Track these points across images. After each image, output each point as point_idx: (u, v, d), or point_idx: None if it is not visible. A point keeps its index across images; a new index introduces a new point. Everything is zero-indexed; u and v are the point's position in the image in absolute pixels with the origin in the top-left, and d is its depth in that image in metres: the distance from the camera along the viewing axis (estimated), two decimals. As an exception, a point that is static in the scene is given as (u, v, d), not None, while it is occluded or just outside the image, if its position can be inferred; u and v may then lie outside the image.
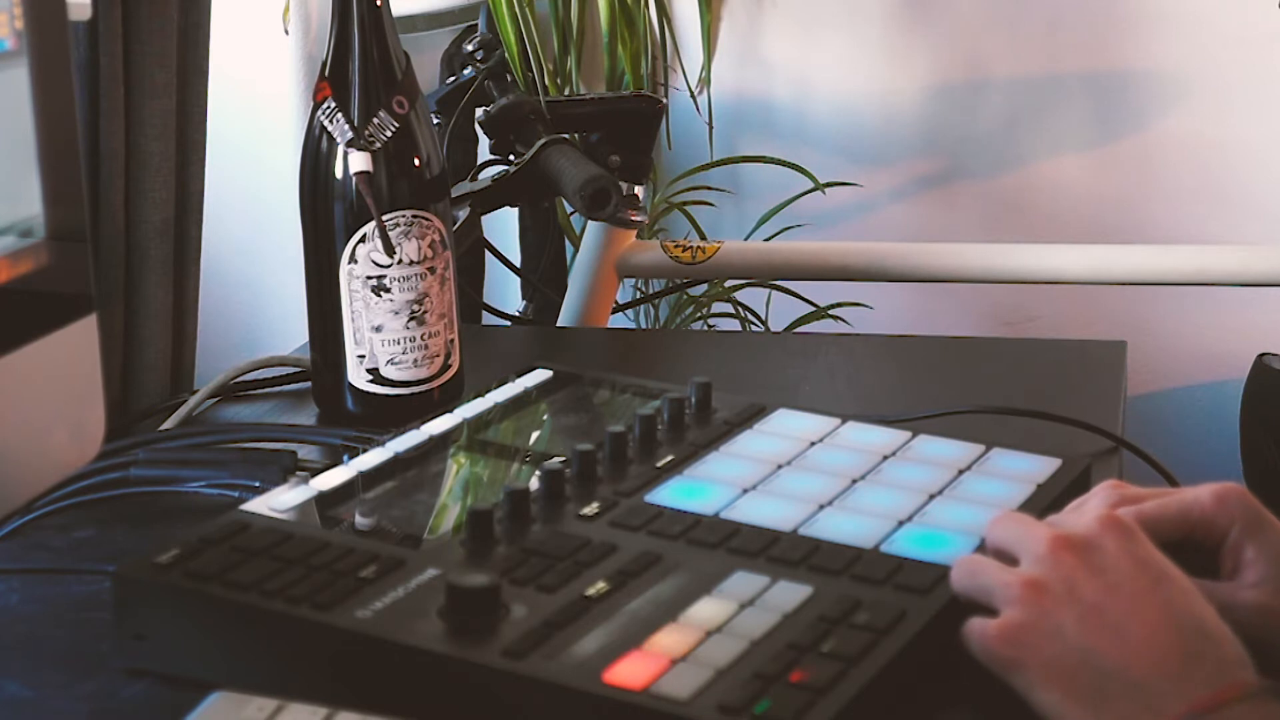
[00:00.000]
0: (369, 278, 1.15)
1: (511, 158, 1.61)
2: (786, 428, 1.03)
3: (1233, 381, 2.15)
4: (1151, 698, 0.73)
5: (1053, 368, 1.32)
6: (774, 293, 2.29)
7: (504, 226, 2.14)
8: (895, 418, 1.07)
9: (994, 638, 0.78)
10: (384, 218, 1.14)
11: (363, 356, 1.17)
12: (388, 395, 1.17)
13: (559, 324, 1.79)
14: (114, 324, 1.25)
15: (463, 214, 1.54)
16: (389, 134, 1.14)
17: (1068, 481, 0.97)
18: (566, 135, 1.60)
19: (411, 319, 1.16)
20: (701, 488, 0.94)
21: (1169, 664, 0.74)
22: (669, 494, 0.94)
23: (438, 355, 1.18)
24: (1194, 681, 0.73)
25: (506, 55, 2.11)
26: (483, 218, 1.61)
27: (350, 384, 1.17)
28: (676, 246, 1.75)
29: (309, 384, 1.25)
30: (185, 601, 0.82)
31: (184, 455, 1.10)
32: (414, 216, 1.15)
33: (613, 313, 1.84)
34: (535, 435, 1.07)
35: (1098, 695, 0.75)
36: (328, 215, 1.16)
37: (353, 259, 1.15)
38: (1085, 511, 0.82)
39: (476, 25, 2.15)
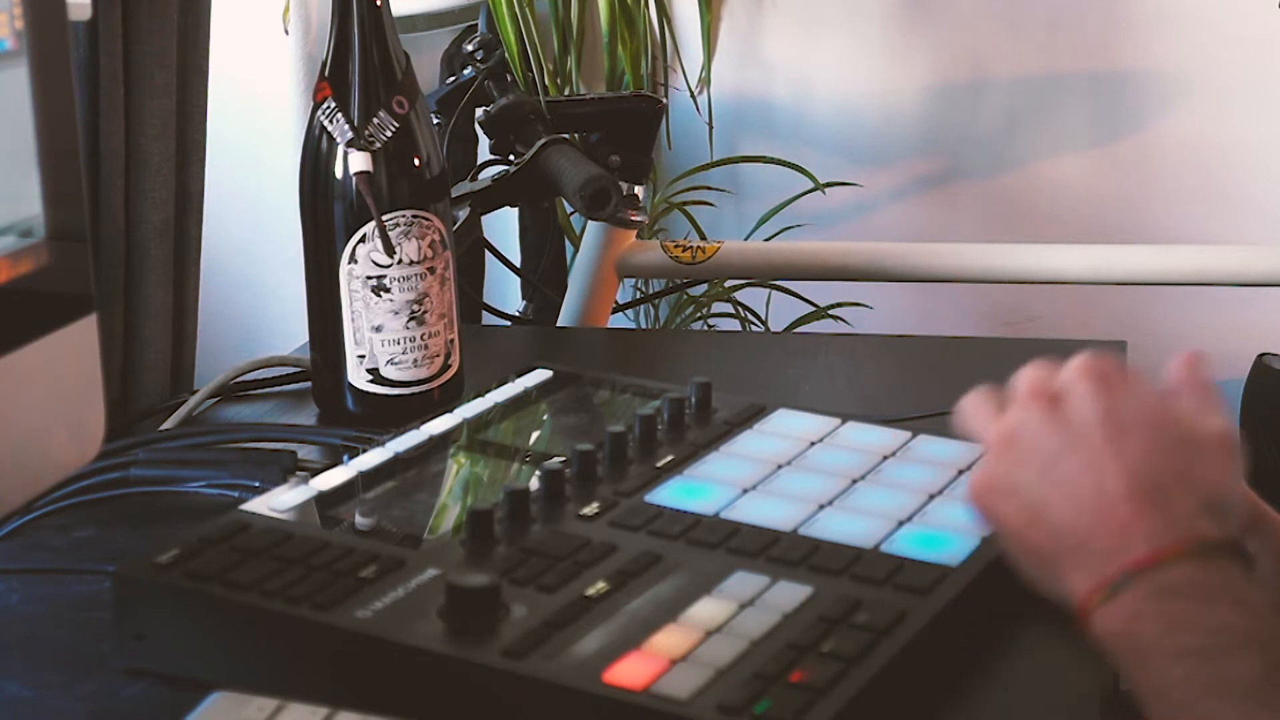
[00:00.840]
0: (369, 278, 1.15)
1: (511, 158, 1.61)
2: (786, 428, 1.03)
3: (1233, 381, 2.15)
4: (1093, 556, 0.71)
5: (1053, 368, 1.32)
6: (774, 293, 2.29)
7: (504, 226, 2.14)
8: (895, 418, 1.07)
9: (970, 491, 0.78)
10: (384, 218, 1.14)
11: (363, 356, 1.17)
12: (388, 395, 1.17)
13: (559, 324, 1.79)
14: (114, 324, 1.25)
15: (463, 214, 1.54)
16: (389, 134, 1.14)
17: (1068, 481, 0.96)
18: (566, 135, 1.60)
19: (411, 319, 1.16)
20: (701, 488, 0.94)
21: (1113, 522, 0.72)
22: (669, 494, 0.93)
23: (438, 355, 1.18)
24: (1135, 539, 0.70)
25: (506, 55, 2.11)
26: (483, 218, 1.61)
27: (350, 384, 1.17)
28: (676, 246, 1.75)
29: (309, 384, 1.25)
30: (185, 601, 0.82)
31: (184, 455, 1.10)
32: (414, 216, 1.15)
33: (613, 313, 1.84)
34: (535, 435, 1.07)
35: (1049, 552, 0.74)
36: (328, 215, 1.16)
37: (353, 259, 1.15)
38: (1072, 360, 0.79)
39: (476, 25, 2.15)
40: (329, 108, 1.14)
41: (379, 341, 1.16)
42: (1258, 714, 0.66)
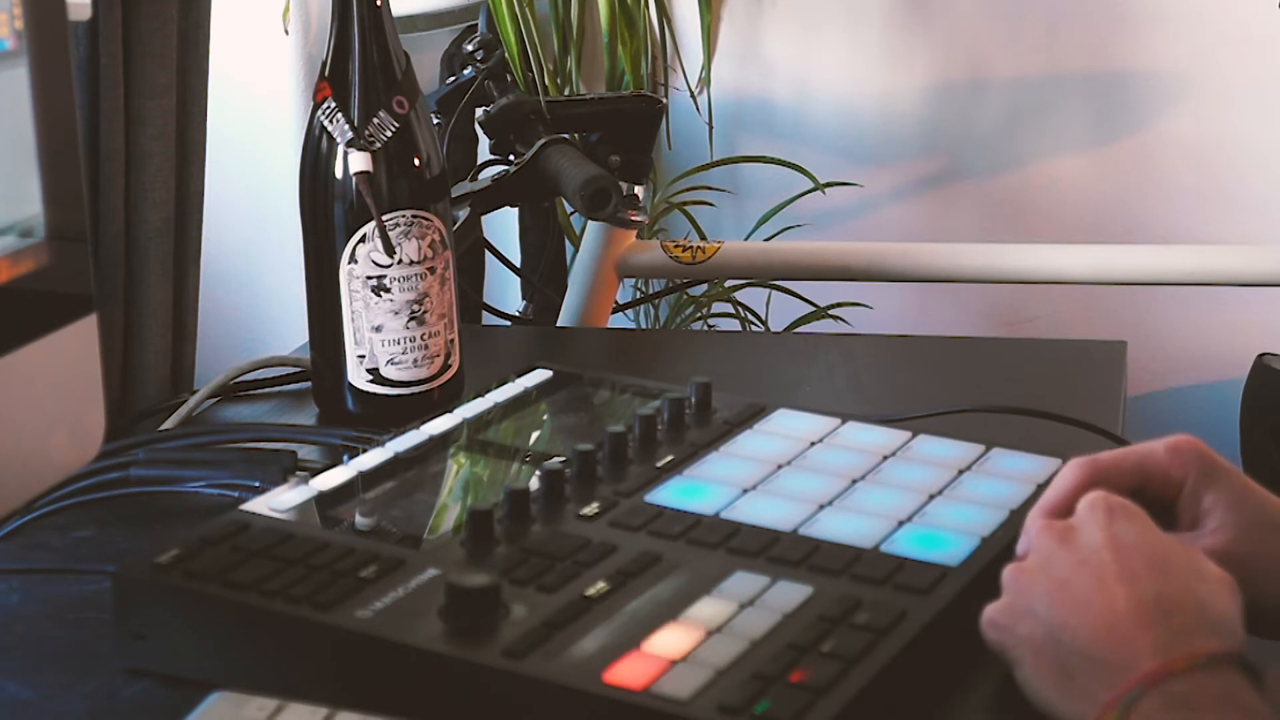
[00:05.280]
0: (369, 278, 1.15)
1: (511, 158, 1.60)
2: (786, 428, 1.03)
3: (1233, 381, 2.14)
4: (1106, 671, 0.73)
5: (1053, 368, 1.32)
6: (774, 293, 2.29)
7: (504, 226, 2.14)
8: (895, 418, 1.07)
9: (984, 621, 0.80)
10: (384, 218, 1.14)
11: (363, 356, 1.17)
12: (388, 395, 1.17)
13: (559, 324, 1.79)
14: (114, 324, 1.25)
15: (463, 214, 1.54)
16: (389, 134, 1.14)
17: (1068, 481, 0.96)
18: (566, 135, 1.60)
19: (411, 319, 1.16)
20: (701, 488, 0.94)
21: (1121, 637, 0.73)
22: (669, 494, 0.93)
23: (438, 355, 1.18)
24: (1143, 654, 0.72)
25: (506, 55, 2.11)
26: (483, 218, 1.61)
27: (350, 384, 1.17)
28: (676, 246, 1.75)
29: (309, 384, 1.25)
30: (185, 601, 0.82)
31: (184, 455, 1.10)
32: (414, 216, 1.15)
33: (613, 313, 1.84)
34: (535, 435, 1.07)
35: (1063, 670, 0.75)
36: (328, 215, 1.16)
37: (353, 259, 1.15)
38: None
39: (476, 25, 2.14)
40: (329, 108, 1.15)
41: (379, 341, 1.16)
42: None
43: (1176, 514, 0.84)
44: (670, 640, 0.78)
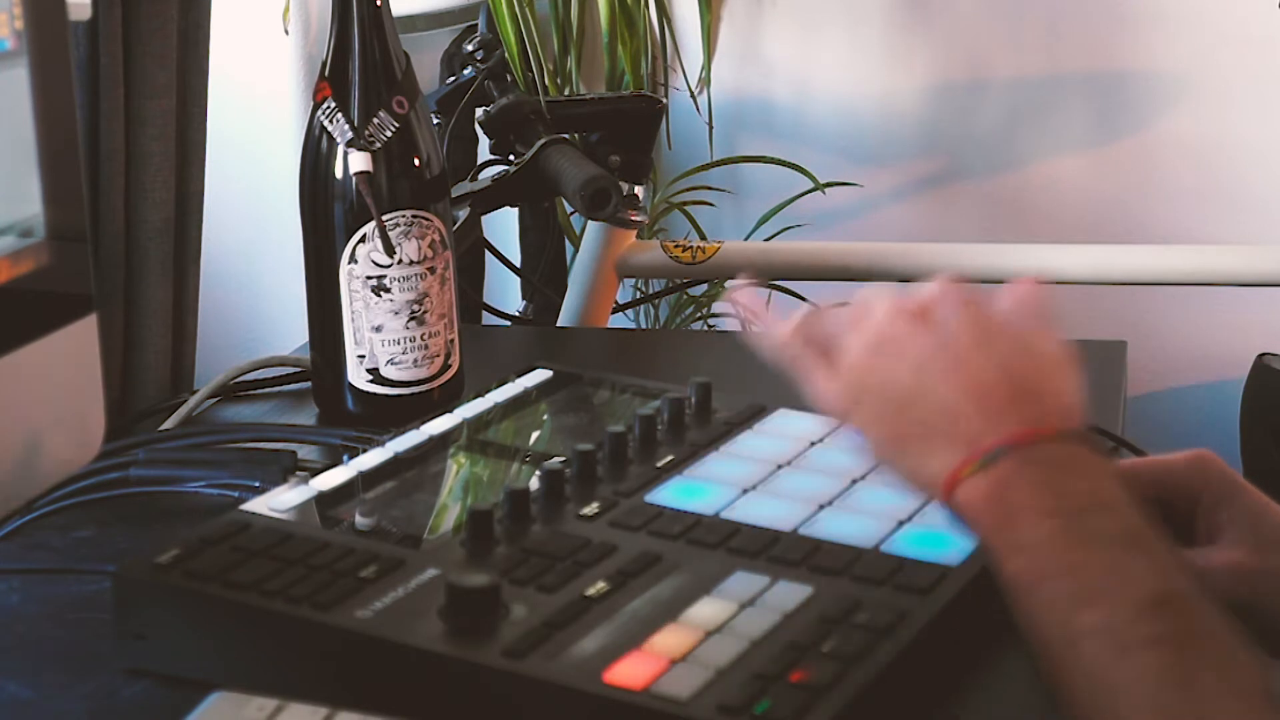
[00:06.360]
0: (369, 278, 1.15)
1: (511, 158, 1.60)
2: (786, 428, 1.03)
3: (1233, 381, 2.14)
4: (971, 431, 0.76)
5: (1053, 368, 1.32)
6: (774, 293, 2.29)
7: (504, 226, 2.14)
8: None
9: (834, 386, 0.81)
10: (384, 218, 1.14)
11: (363, 356, 1.17)
12: (388, 395, 1.17)
13: (559, 324, 1.79)
14: (114, 324, 1.25)
15: (463, 214, 1.54)
16: (389, 134, 1.14)
17: (1068, 481, 0.96)
18: (566, 135, 1.60)
19: (411, 319, 1.16)
20: (701, 488, 0.94)
21: (991, 404, 0.76)
22: (669, 494, 0.94)
23: (438, 355, 1.18)
24: (1012, 420, 0.75)
25: (506, 55, 2.10)
26: (483, 218, 1.61)
27: (350, 384, 1.17)
28: (676, 246, 1.75)
29: (309, 384, 1.25)
30: (185, 601, 0.82)
31: (184, 455, 1.10)
32: (414, 216, 1.15)
33: (613, 313, 1.84)
34: (535, 435, 1.07)
35: (921, 430, 0.77)
36: (328, 215, 1.16)
37: (353, 259, 1.15)
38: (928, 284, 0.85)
39: (476, 25, 2.14)
40: (329, 108, 1.14)
41: (379, 341, 1.16)
42: (1122, 558, 0.71)
43: (1193, 527, 0.84)
44: (670, 640, 0.78)
